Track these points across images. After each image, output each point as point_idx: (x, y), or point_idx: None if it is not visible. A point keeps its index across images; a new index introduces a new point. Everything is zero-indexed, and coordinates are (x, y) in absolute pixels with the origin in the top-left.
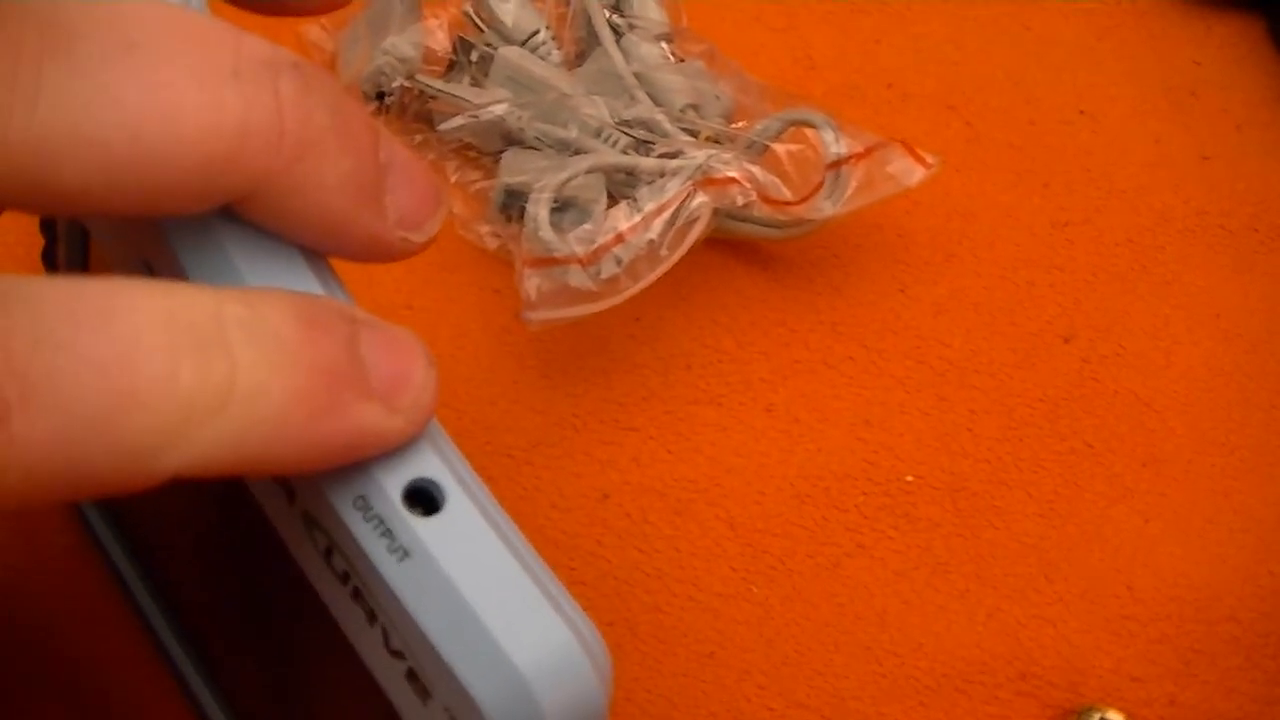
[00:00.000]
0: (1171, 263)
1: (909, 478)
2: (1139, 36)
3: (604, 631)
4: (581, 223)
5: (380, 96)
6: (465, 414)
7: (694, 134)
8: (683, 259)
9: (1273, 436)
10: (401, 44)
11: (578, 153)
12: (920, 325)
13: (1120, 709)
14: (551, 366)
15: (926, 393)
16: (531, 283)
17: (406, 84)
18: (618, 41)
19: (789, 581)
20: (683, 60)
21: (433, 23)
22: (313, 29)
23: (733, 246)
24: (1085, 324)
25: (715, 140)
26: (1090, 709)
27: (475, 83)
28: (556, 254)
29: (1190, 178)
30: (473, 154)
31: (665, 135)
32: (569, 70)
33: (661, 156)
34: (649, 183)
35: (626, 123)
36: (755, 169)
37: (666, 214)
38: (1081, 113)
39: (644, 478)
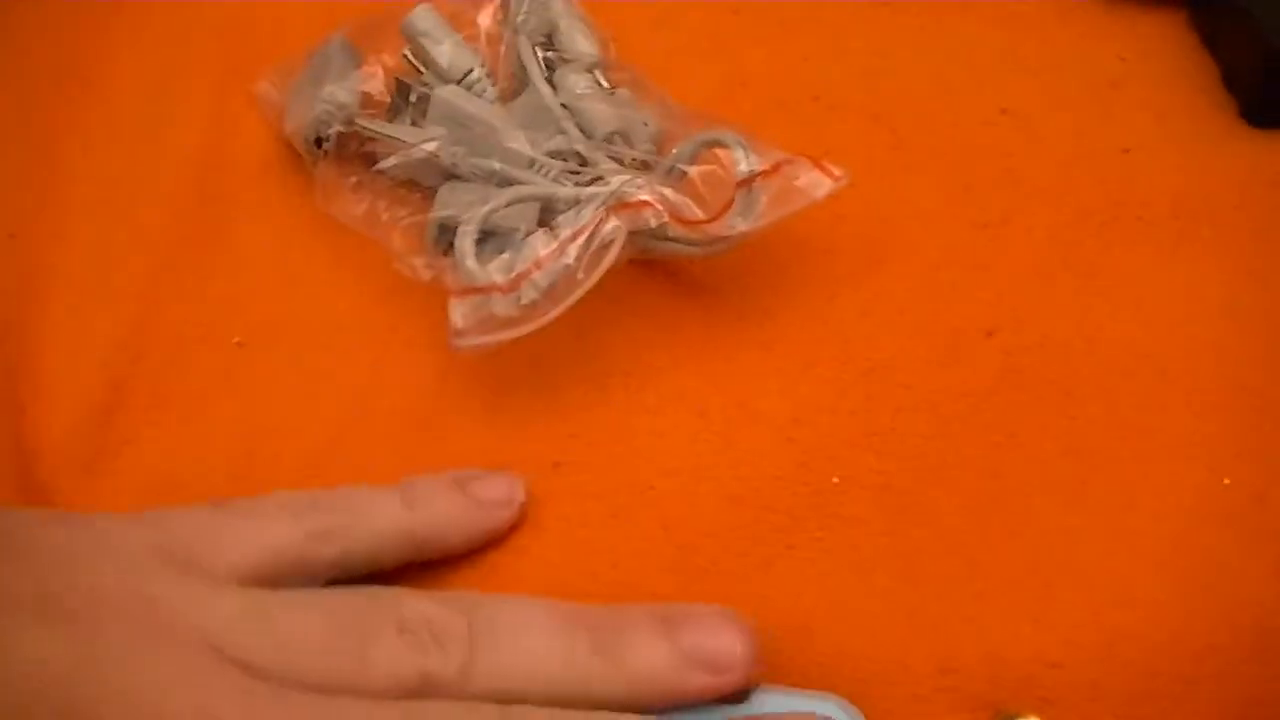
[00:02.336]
0: (1092, 255)
1: (836, 479)
2: (1062, 35)
3: None
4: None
5: (319, 142)
6: (417, 424)
7: (620, 161)
8: (622, 279)
9: (1192, 418)
10: (338, 91)
11: (511, 184)
12: (847, 331)
13: (1041, 703)
14: (499, 382)
15: (854, 394)
16: (458, 311)
17: (344, 129)
18: (550, 74)
19: (720, 583)
20: (613, 90)
21: (371, 70)
22: (262, 84)
23: (668, 267)
24: (1008, 318)
25: (643, 165)
26: (1011, 716)
27: (415, 123)
28: (479, 284)
29: (1111, 171)
30: (416, 191)
31: (592, 164)
32: (504, 104)
33: (591, 184)
34: (566, 211)
35: (558, 153)
36: (667, 191)
37: (581, 239)
38: (1003, 112)
39: (583, 483)
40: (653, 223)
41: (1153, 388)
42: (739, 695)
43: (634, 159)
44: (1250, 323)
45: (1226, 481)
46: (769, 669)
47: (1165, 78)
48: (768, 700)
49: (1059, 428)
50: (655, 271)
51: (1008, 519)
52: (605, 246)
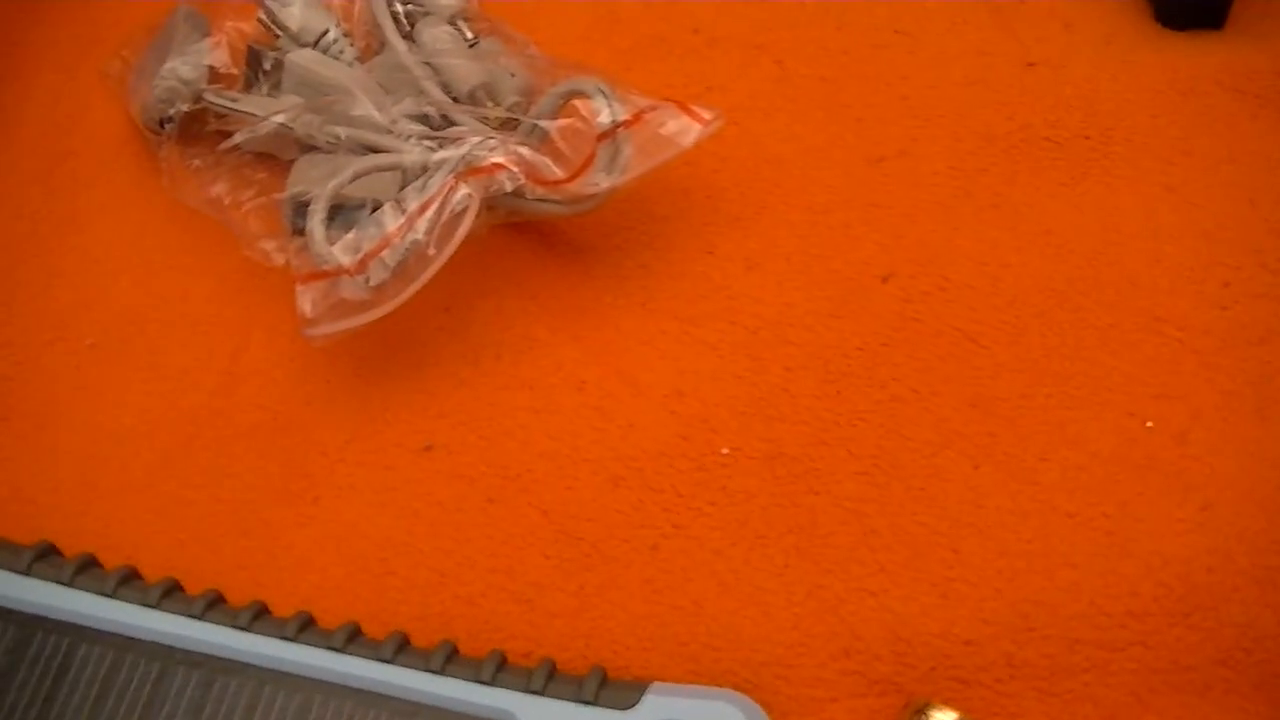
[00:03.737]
0: (996, 184)
1: (724, 450)
2: None
3: (417, 626)
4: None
5: (162, 124)
6: (280, 414)
7: (486, 120)
8: (489, 246)
9: (1108, 357)
10: (181, 67)
11: (370, 153)
12: (731, 286)
13: (955, 684)
14: (364, 363)
15: (739, 356)
16: (306, 298)
17: (190, 107)
18: (411, 29)
19: (605, 569)
20: (476, 40)
21: (216, 40)
22: (114, 62)
23: (540, 231)
24: (905, 260)
25: (509, 123)
26: (925, 706)
27: (271, 94)
28: (326, 267)
29: (1015, 90)
30: (275, 168)
31: (456, 124)
32: (364, 65)
33: (448, 147)
34: (415, 179)
35: (419, 115)
36: (524, 150)
37: (430, 211)
38: (897, 32)
39: (456, 466)
40: (508, 186)
41: (1065, 327)
42: (631, 695)
43: (499, 116)
44: (1171, 247)
45: (1149, 425)
46: (661, 659)
47: None
48: (660, 703)
49: (963, 377)
50: (525, 234)
51: (910, 481)
52: (457, 216)
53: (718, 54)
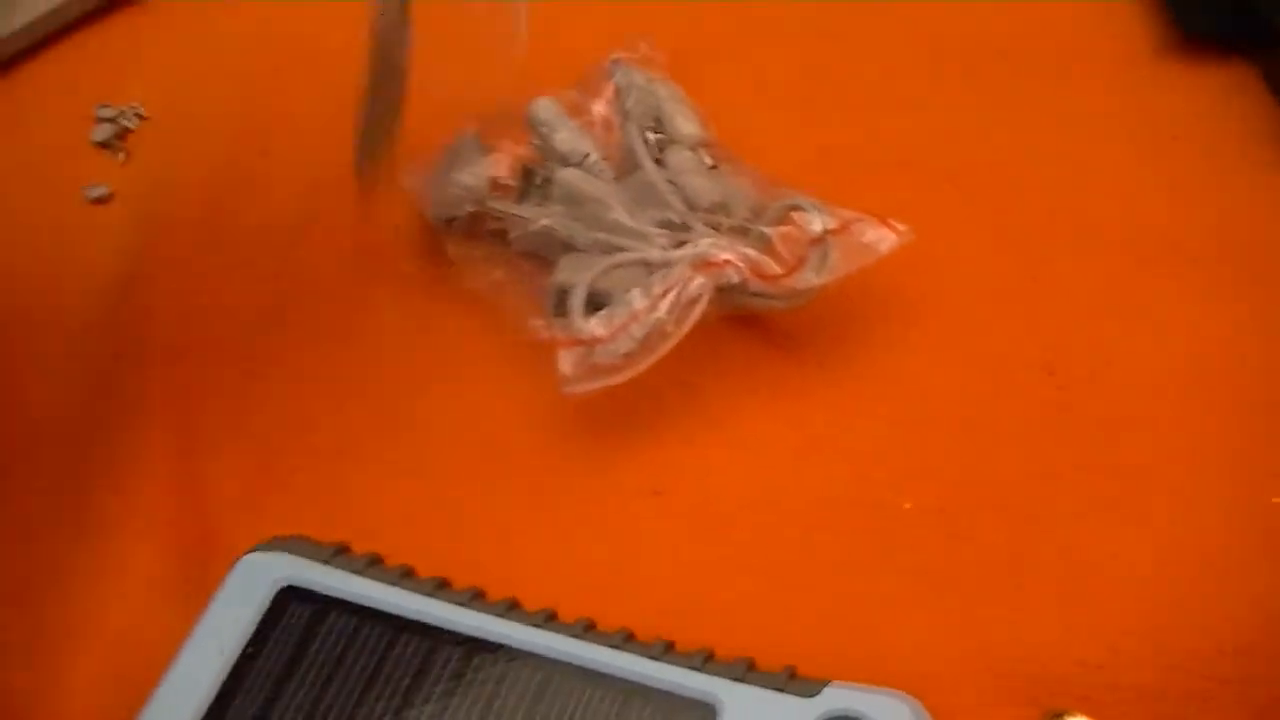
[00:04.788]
0: (1142, 294)
1: (906, 505)
2: (1129, 87)
3: (639, 626)
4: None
5: (450, 221)
6: (540, 464)
7: (717, 228)
8: (715, 334)
9: (1240, 441)
10: (466, 176)
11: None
12: (913, 371)
13: (1084, 703)
14: (607, 422)
15: (917, 429)
16: (566, 360)
17: (474, 209)
18: (661, 153)
19: (798, 592)
20: (714, 166)
21: (498, 157)
22: (404, 174)
23: (756, 322)
24: (1061, 355)
25: (740, 231)
26: (1061, 713)
27: (541, 204)
28: (583, 336)
29: (1164, 214)
30: (539, 263)
31: (694, 230)
32: (619, 182)
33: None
34: (657, 274)
35: (665, 223)
36: (749, 250)
37: (671, 295)
38: (1062, 157)
39: (678, 507)
40: (734, 278)
41: (1200, 415)
42: (814, 686)
43: (731, 226)
44: None
45: (1276, 500)
46: (840, 667)
47: (1228, 125)
48: (838, 695)
49: (1108, 453)
50: (745, 326)
51: (1055, 536)
52: (693, 302)
53: (913, 180)
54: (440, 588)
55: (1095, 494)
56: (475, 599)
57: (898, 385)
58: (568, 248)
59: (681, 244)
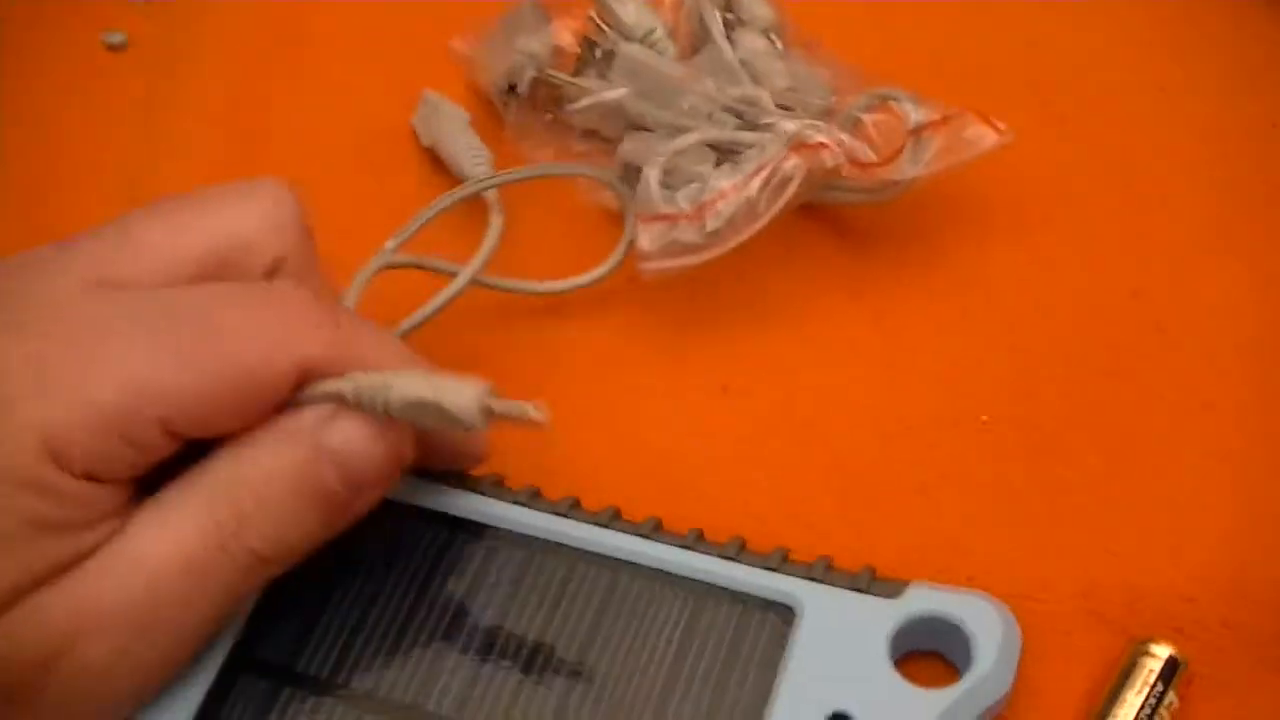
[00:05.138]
0: (1240, 228)
1: (984, 417)
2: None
3: (710, 529)
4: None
5: (512, 88)
6: (611, 362)
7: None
8: (789, 227)
9: None
10: (532, 42)
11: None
12: (998, 283)
13: (1174, 634)
14: (675, 320)
15: (1001, 340)
16: (646, 236)
17: (537, 75)
18: (729, 35)
19: (877, 504)
20: (787, 51)
21: (560, 24)
22: (456, 41)
23: (838, 220)
24: (1153, 282)
25: (819, 116)
26: (1145, 641)
27: (600, 76)
28: (667, 211)
29: (1259, 146)
30: (600, 141)
31: (767, 113)
32: (682, 62)
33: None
34: (747, 151)
35: (734, 106)
36: (844, 135)
37: (763, 174)
38: (1161, 90)
39: (749, 407)
40: (829, 163)
41: None
42: (898, 586)
43: (808, 111)
44: None
45: None
46: (924, 573)
47: None
48: (924, 595)
49: (1200, 384)
50: (819, 221)
51: (1147, 463)
52: (784, 183)
53: (994, 87)
54: (496, 485)
55: (1186, 425)
56: (533, 498)
57: (979, 296)
58: (633, 125)
59: (754, 128)
